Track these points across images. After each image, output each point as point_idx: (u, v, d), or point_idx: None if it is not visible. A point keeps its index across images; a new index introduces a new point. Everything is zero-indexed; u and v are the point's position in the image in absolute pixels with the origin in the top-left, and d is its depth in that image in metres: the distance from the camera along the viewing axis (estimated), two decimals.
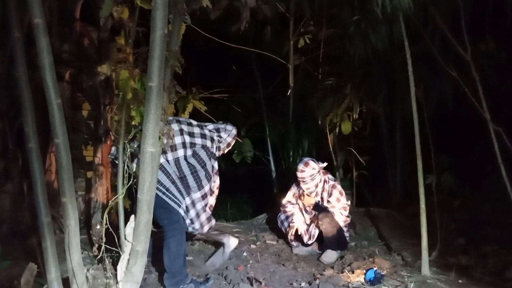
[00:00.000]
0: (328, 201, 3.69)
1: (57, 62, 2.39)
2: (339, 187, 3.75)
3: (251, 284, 2.94)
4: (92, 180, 3.63)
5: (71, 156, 2.05)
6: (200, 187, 2.94)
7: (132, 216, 2.35)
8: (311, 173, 3.60)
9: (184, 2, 2.35)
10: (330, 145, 5.49)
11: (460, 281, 3.16)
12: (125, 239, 2.39)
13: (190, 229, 2.98)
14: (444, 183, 4.88)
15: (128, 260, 2.23)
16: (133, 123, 2.58)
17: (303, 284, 3.04)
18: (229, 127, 3.26)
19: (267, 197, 5.63)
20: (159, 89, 2.04)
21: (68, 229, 2.06)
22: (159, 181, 2.77)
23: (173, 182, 2.85)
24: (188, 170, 2.91)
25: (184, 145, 2.92)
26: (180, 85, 2.51)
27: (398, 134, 5.54)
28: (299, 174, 3.65)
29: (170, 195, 2.82)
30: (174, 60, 2.29)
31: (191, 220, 2.94)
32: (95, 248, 2.49)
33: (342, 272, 3.26)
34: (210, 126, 3.20)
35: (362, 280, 3.08)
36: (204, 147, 2.99)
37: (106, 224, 2.43)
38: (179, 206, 2.84)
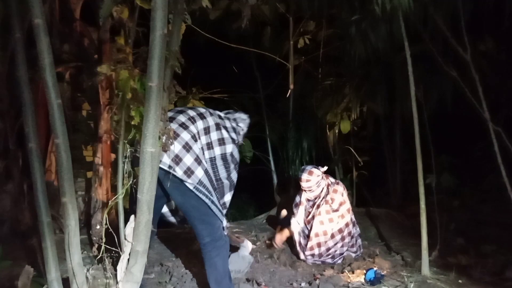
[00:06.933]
0: (330, 206, 3.62)
1: (57, 62, 2.39)
2: (340, 188, 3.68)
3: (251, 285, 2.94)
4: (92, 180, 3.62)
5: (71, 156, 2.06)
6: (231, 188, 2.63)
7: (132, 216, 2.35)
8: (316, 180, 3.56)
9: (184, 2, 2.35)
10: (330, 145, 5.49)
11: (460, 281, 3.17)
12: (125, 239, 2.39)
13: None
14: (444, 183, 4.89)
15: (128, 260, 2.23)
16: (132, 123, 2.58)
17: (303, 284, 3.04)
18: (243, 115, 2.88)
19: (267, 197, 5.62)
20: (159, 89, 2.03)
21: (68, 229, 2.07)
22: (208, 190, 2.44)
23: (214, 189, 2.49)
24: (224, 172, 2.59)
25: (220, 141, 2.60)
26: (180, 85, 2.50)
27: (398, 134, 5.54)
28: (305, 184, 3.58)
29: (215, 206, 2.45)
30: (174, 60, 2.29)
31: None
32: (95, 248, 2.50)
33: (342, 272, 3.27)
34: (223, 113, 2.83)
35: (362, 280, 3.08)
36: (233, 141, 2.68)
37: (106, 224, 2.43)
38: (222, 215, 2.51)
